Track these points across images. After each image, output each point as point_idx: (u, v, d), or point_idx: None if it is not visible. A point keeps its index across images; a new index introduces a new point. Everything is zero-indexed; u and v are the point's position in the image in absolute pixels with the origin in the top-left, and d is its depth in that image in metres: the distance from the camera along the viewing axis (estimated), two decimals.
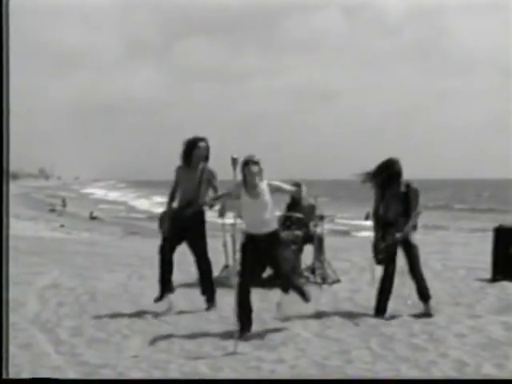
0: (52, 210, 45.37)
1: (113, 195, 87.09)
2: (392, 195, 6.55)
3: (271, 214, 5.98)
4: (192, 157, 6.87)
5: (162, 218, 6.93)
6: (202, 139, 6.91)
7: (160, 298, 6.95)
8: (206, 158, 6.91)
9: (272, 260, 5.98)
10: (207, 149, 6.90)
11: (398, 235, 6.48)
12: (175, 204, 6.97)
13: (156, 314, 6.85)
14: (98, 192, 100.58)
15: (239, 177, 5.86)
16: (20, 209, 41.35)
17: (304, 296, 6.07)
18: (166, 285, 6.95)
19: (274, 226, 6.02)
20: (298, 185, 9.15)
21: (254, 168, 5.85)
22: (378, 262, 6.62)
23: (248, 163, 5.84)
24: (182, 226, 6.81)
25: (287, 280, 6.03)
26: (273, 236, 5.96)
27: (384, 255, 6.55)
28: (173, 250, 6.93)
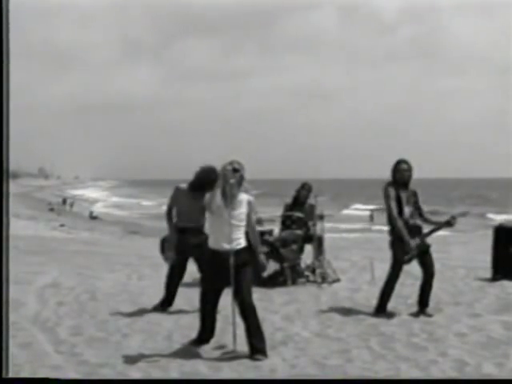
0: (51, 210, 45.36)
1: (94, 195, 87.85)
2: (405, 196, 6.58)
3: (243, 231, 5.40)
4: (207, 187, 6.42)
5: (165, 243, 6.87)
6: (215, 173, 6.44)
7: (161, 307, 7.04)
8: None
9: (234, 284, 5.30)
10: None
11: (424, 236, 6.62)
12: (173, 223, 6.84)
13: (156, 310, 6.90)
14: (81, 193, 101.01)
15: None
16: (20, 208, 41.33)
17: (256, 339, 5.27)
18: (171, 298, 7.03)
19: (242, 243, 5.39)
20: (306, 185, 9.19)
21: (234, 177, 5.25)
22: (406, 261, 6.57)
23: (228, 171, 5.27)
24: (189, 253, 6.79)
25: (249, 312, 5.29)
26: (240, 255, 5.31)
27: (413, 255, 6.52)
28: (182, 275, 6.99)
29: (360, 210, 49.95)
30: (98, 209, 51.37)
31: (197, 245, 6.61)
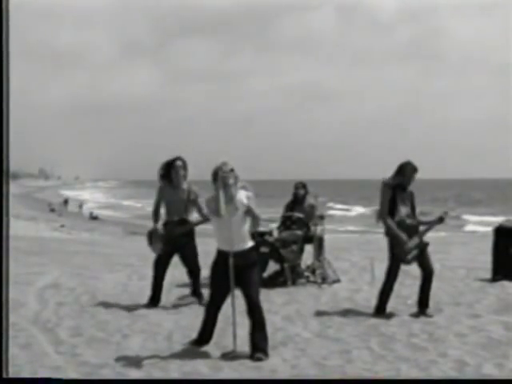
0: (52, 210, 45.38)
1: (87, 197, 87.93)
2: (402, 197, 6.59)
3: (247, 230, 5.42)
4: (171, 177, 7.11)
5: (152, 236, 7.17)
6: (178, 158, 7.12)
7: (150, 303, 7.30)
8: (185, 177, 7.16)
9: (242, 283, 5.37)
10: (184, 167, 7.12)
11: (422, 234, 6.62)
12: (161, 222, 7.24)
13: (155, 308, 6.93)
14: (77, 194, 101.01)
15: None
16: (20, 209, 41.35)
17: (261, 338, 5.33)
18: (157, 297, 7.32)
19: (249, 243, 5.44)
20: (299, 184, 9.19)
21: (230, 179, 5.30)
22: (409, 261, 6.56)
23: (222, 174, 5.28)
24: (175, 244, 7.10)
25: (256, 311, 5.35)
26: (247, 255, 5.39)
27: (415, 255, 6.52)
28: (167, 266, 7.32)
29: (344, 210, 50.38)
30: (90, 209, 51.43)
31: (182, 234, 7.07)
